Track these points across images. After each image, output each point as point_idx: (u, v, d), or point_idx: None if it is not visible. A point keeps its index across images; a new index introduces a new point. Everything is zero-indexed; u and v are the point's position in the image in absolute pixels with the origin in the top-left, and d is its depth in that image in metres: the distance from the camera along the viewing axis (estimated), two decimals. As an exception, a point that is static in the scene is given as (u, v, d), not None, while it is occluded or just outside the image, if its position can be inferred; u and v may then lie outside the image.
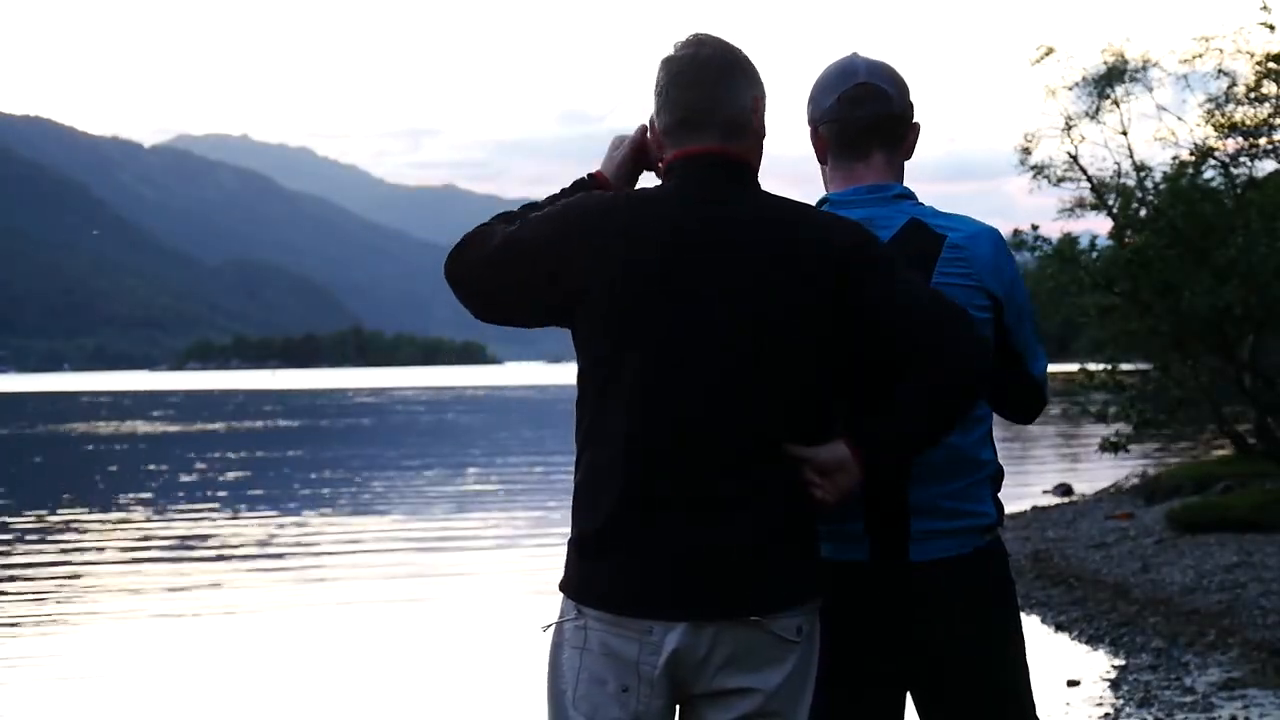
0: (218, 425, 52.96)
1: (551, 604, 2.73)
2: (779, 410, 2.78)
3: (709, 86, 2.89)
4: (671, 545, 2.73)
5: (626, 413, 2.78)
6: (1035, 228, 14.18)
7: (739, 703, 2.76)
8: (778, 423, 2.78)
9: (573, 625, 2.80)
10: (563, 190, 3.03)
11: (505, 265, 2.87)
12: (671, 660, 2.73)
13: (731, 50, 2.93)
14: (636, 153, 3.10)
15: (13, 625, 11.53)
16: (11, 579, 14.22)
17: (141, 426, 53.27)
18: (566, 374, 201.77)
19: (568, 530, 2.80)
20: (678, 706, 2.83)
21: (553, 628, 2.85)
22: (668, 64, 2.94)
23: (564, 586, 2.85)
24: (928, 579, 3.06)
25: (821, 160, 3.23)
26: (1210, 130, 16.34)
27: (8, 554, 16.17)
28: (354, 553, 15.92)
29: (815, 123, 3.20)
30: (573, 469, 2.87)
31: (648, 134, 3.05)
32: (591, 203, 2.89)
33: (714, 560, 2.73)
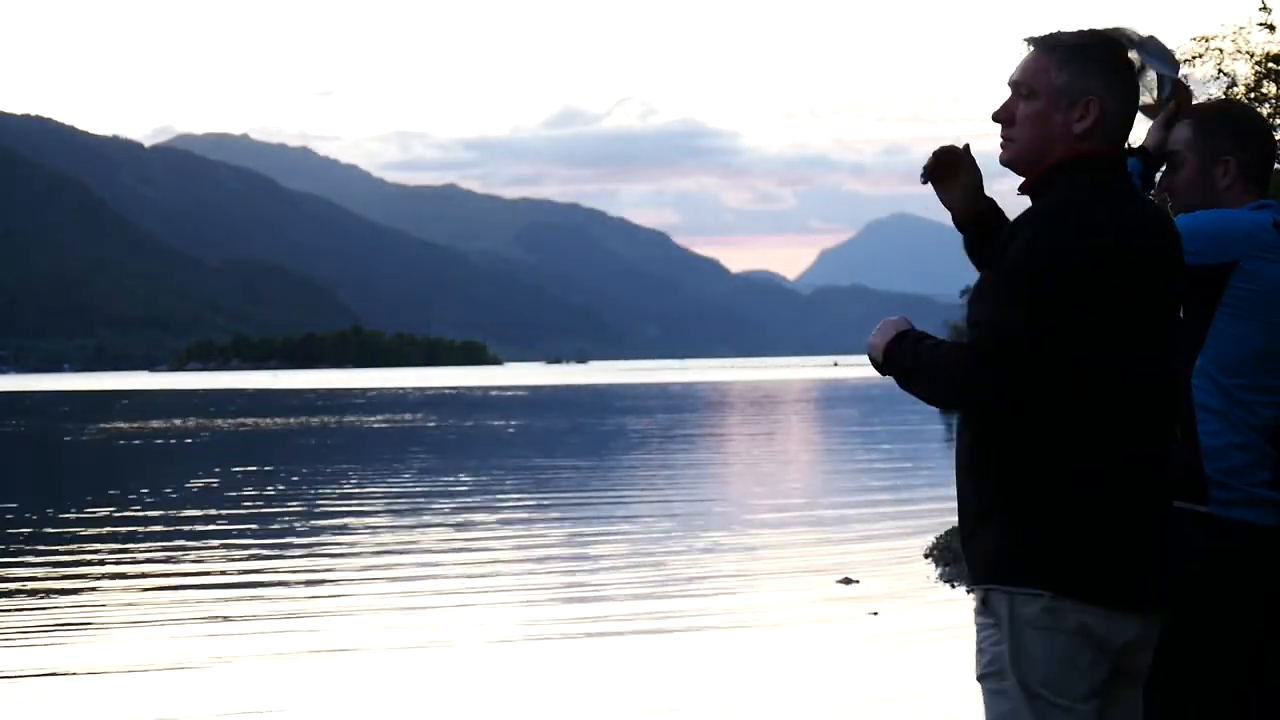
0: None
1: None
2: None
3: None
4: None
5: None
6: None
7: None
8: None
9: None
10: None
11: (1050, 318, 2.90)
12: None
13: None
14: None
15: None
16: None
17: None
18: (567, 375, 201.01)
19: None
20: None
21: None
22: (1129, 64, 3.09)
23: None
24: None
25: (1218, 185, 3.67)
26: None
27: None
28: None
29: (1232, 156, 3.68)
30: None
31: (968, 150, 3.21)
32: (1086, 218, 2.94)
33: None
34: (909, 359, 2.99)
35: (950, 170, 3.22)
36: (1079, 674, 2.88)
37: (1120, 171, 3.03)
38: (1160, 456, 2.97)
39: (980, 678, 2.94)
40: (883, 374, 3.08)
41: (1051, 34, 3.06)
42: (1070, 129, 3.00)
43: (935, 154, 3.21)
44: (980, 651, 2.93)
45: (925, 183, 3.23)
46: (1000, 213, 3.27)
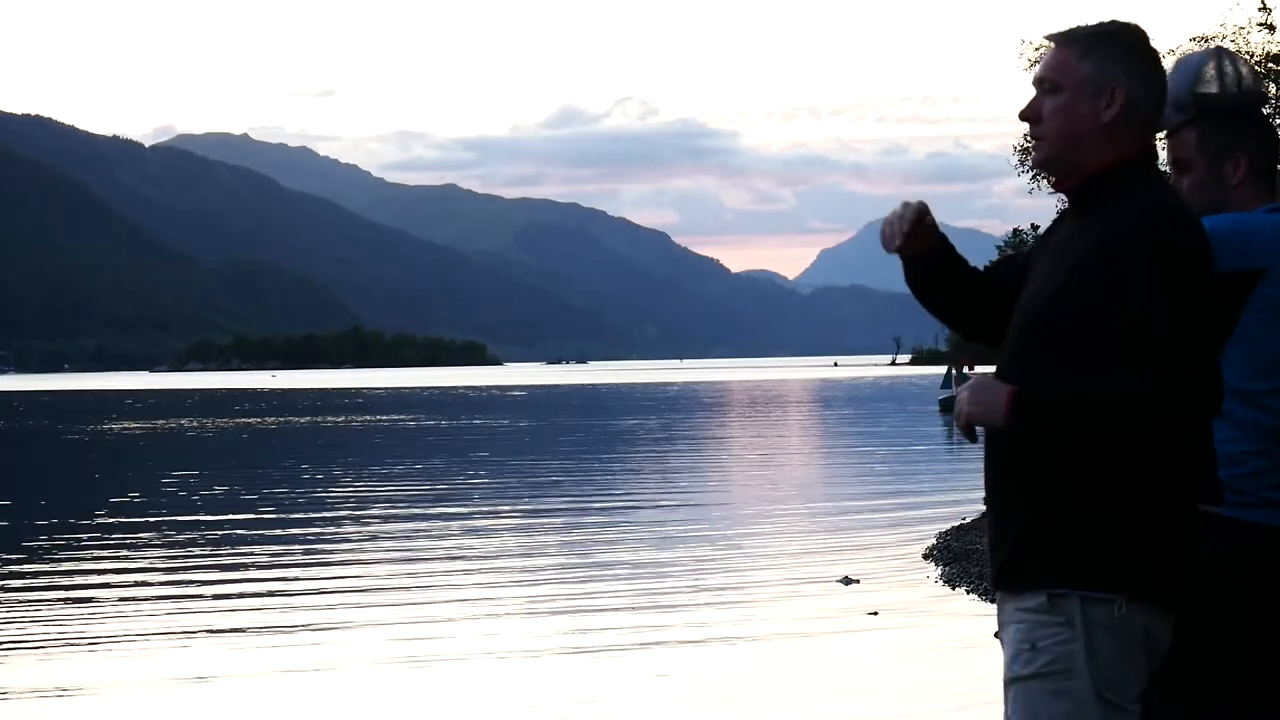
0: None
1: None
2: None
3: None
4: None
5: None
6: (1035, 228, 14.23)
7: None
8: None
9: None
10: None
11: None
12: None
13: None
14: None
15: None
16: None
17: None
18: (567, 375, 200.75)
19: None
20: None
21: None
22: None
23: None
24: None
25: (1229, 182, 3.61)
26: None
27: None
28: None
29: (1242, 154, 3.63)
30: None
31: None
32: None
33: None
34: (1059, 405, 2.85)
35: (915, 237, 3.13)
36: (1138, 676, 2.91)
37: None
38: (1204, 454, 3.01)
39: (1032, 676, 2.90)
40: (972, 438, 2.97)
41: (1071, 27, 3.04)
42: (1099, 118, 2.96)
43: (904, 234, 3.11)
44: (1036, 651, 2.89)
45: (891, 252, 3.14)
46: (946, 239, 3.19)
